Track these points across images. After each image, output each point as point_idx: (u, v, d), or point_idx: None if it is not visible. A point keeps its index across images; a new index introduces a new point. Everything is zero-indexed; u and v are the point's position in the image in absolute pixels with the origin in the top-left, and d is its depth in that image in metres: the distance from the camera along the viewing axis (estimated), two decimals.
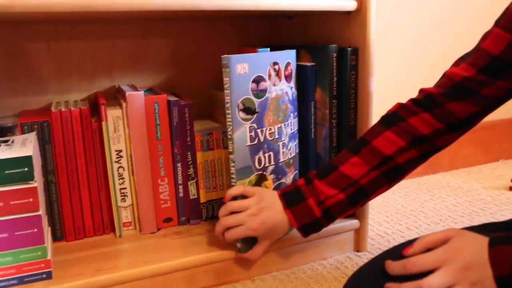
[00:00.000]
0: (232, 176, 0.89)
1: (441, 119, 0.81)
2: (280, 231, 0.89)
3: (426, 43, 1.58)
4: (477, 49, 0.78)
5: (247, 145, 0.89)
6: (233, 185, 0.89)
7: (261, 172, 0.92)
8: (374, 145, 0.84)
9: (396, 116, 0.84)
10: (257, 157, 0.90)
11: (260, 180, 0.92)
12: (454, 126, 0.81)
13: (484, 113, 0.81)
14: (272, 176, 0.93)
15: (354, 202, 0.86)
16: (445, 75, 0.82)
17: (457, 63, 0.81)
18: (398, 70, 1.55)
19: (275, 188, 0.94)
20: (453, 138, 0.84)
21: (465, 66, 0.78)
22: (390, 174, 0.85)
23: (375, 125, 0.87)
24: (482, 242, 0.64)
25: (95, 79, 1.12)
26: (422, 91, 0.85)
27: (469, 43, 1.66)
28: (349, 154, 0.86)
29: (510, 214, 1.27)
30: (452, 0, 1.60)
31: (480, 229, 0.75)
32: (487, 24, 1.67)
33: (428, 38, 1.58)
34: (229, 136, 0.87)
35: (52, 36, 1.07)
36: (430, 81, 1.61)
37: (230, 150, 0.88)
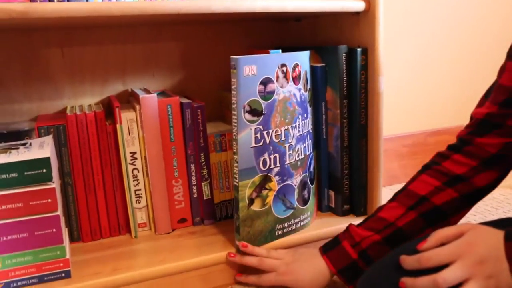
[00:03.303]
0: (235, 176, 0.90)
1: (473, 156, 0.80)
2: (314, 281, 0.87)
3: (435, 43, 1.59)
4: (496, 85, 0.79)
5: (252, 147, 0.90)
6: (235, 185, 0.90)
7: (265, 174, 0.93)
8: (409, 189, 0.84)
9: (432, 162, 0.85)
10: (262, 159, 0.91)
11: (264, 182, 0.93)
12: (489, 161, 0.80)
13: None
14: (277, 177, 0.94)
15: (392, 245, 0.83)
16: (471, 117, 0.82)
17: (481, 103, 0.82)
18: (408, 69, 1.56)
19: (280, 189, 0.95)
20: (492, 176, 0.81)
21: (488, 104, 0.79)
22: (429, 216, 0.82)
23: (414, 174, 0.87)
24: (497, 235, 0.64)
25: (108, 83, 1.14)
26: (456, 136, 0.85)
27: (478, 43, 1.67)
28: (387, 202, 0.86)
29: None
30: (461, 0, 1.61)
31: (496, 224, 0.75)
32: (495, 25, 1.68)
33: (438, 38, 1.59)
34: (234, 137, 0.88)
35: (65, 41, 1.09)
36: (440, 80, 1.62)
37: (234, 150, 0.89)
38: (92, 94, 1.13)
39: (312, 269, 0.86)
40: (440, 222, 0.82)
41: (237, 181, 0.90)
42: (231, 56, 0.85)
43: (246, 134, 0.88)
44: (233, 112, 0.87)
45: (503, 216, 1.26)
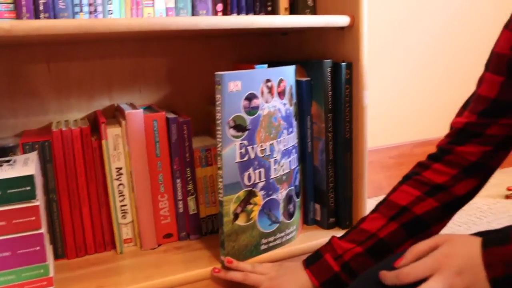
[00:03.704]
0: (220, 191, 0.90)
1: (453, 165, 0.81)
2: None
3: (420, 56, 1.60)
4: (475, 96, 0.80)
5: (237, 162, 0.90)
6: (220, 200, 0.90)
7: (250, 189, 0.93)
8: (390, 199, 0.85)
9: (412, 173, 0.86)
10: (246, 174, 0.92)
11: (249, 197, 0.93)
12: (469, 169, 0.81)
13: (497, 152, 0.80)
14: (262, 192, 0.95)
15: (375, 257, 0.83)
16: (451, 126, 0.84)
17: (460, 113, 0.83)
18: (395, 81, 1.57)
19: (265, 204, 0.95)
20: (472, 185, 0.82)
21: (467, 114, 0.81)
22: (411, 226, 0.82)
23: (395, 185, 0.88)
24: (473, 244, 0.64)
25: (94, 98, 1.14)
26: (436, 146, 0.86)
27: (462, 56, 1.69)
28: (370, 213, 0.87)
29: (507, 222, 1.29)
30: (445, 14, 1.63)
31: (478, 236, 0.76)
32: (478, 38, 1.70)
33: (422, 51, 1.60)
34: (218, 152, 0.88)
35: (51, 57, 1.09)
36: (425, 92, 1.63)
37: (219, 166, 0.89)
38: (78, 109, 1.13)
39: (295, 283, 0.86)
40: (421, 232, 0.82)
41: (221, 196, 0.90)
42: (216, 72, 0.86)
43: (231, 150, 0.89)
44: (218, 128, 0.87)
45: (486, 225, 1.27)
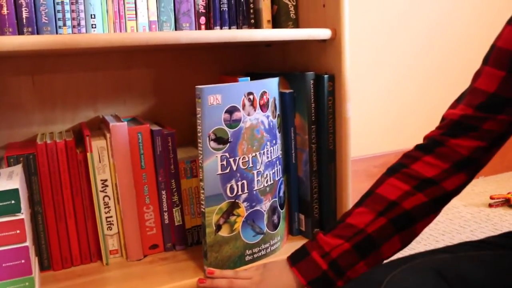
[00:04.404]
0: (202, 203, 0.91)
1: (445, 158, 0.79)
2: None
3: (404, 67, 1.63)
4: (471, 89, 0.79)
5: (218, 174, 0.91)
6: (202, 211, 0.91)
7: (233, 200, 0.94)
8: (377, 192, 0.82)
9: (399, 165, 0.83)
10: (229, 185, 0.93)
11: (232, 208, 0.94)
12: (460, 164, 0.79)
13: (490, 148, 0.79)
14: (245, 204, 0.96)
15: (362, 253, 0.81)
16: (443, 118, 0.82)
17: (453, 106, 0.81)
18: (379, 93, 1.59)
19: (248, 216, 0.96)
20: (461, 180, 0.80)
21: (462, 107, 0.79)
22: (398, 221, 0.81)
23: (379, 177, 0.86)
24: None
25: (79, 110, 1.15)
26: (425, 137, 0.84)
27: (443, 66, 1.71)
28: (354, 207, 0.84)
29: (490, 231, 1.30)
30: (426, 26, 1.66)
31: (457, 248, 0.77)
32: (461, 49, 1.72)
33: (405, 61, 1.63)
34: (200, 164, 0.90)
35: (36, 69, 1.10)
36: (409, 102, 1.66)
37: (201, 177, 0.90)
38: (63, 121, 1.13)
39: (282, 284, 0.85)
40: (408, 227, 0.81)
41: (203, 207, 0.91)
42: (196, 86, 0.87)
43: (212, 162, 0.90)
44: (199, 140, 0.89)
45: (470, 234, 1.29)
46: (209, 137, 0.88)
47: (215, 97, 0.88)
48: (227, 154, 0.91)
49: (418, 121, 1.69)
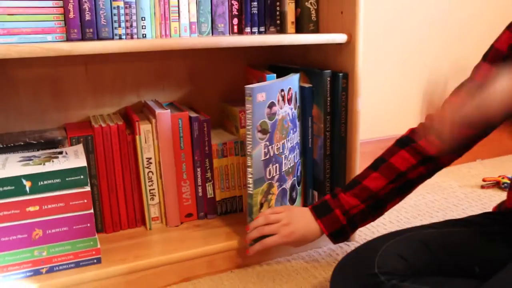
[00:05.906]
0: (249, 186, 1.07)
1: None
2: (308, 239, 1.06)
3: (408, 68, 1.78)
4: (472, 81, 0.94)
5: (262, 160, 1.08)
6: (249, 193, 1.08)
7: (270, 181, 1.12)
8: (391, 162, 1.01)
9: (409, 139, 1.02)
10: (268, 169, 1.10)
11: (269, 188, 1.11)
12: (459, 147, 0.96)
13: (480, 137, 0.95)
14: (277, 184, 1.13)
15: (373, 212, 1.03)
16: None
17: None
18: (383, 91, 1.75)
19: (278, 193, 1.14)
20: (453, 158, 1.00)
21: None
22: (403, 188, 1.02)
23: (391, 146, 1.04)
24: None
25: (124, 95, 1.32)
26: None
27: (445, 56, 1.86)
28: (370, 171, 1.03)
29: (479, 210, 1.47)
30: (428, 27, 1.80)
31: (441, 225, 0.95)
32: (463, 41, 1.86)
33: (410, 63, 1.78)
34: (248, 153, 1.06)
35: (88, 60, 1.26)
36: (411, 102, 1.81)
37: (249, 164, 1.06)
38: (111, 105, 1.31)
39: (308, 230, 1.04)
40: (408, 191, 1.03)
41: (251, 189, 1.08)
42: (246, 86, 1.02)
43: (258, 150, 1.07)
44: (248, 133, 1.05)
45: (461, 212, 1.46)
46: (257, 129, 1.05)
47: (262, 95, 1.04)
48: (267, 143, 1.08)
49: (418, 109, 1.83)
